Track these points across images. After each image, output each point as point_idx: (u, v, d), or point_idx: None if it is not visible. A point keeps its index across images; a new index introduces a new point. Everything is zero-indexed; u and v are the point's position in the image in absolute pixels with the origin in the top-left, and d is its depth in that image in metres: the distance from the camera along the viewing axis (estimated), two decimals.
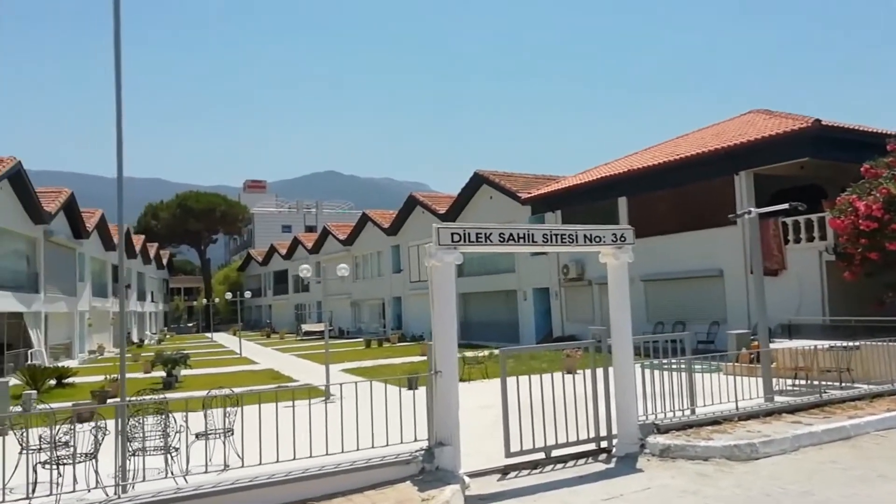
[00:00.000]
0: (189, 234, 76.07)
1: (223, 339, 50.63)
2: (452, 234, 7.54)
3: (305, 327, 48.21)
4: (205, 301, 68.18)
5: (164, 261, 70.21)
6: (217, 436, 8.66)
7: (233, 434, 8.68)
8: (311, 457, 7.41)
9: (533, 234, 8.04)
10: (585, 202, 25.96)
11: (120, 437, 7.17)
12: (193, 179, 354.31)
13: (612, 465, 8.19)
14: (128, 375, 23.06)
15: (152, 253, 60.45)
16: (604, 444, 8.63)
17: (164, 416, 8.14)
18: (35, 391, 16.01)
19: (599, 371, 8.78)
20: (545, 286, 28.80)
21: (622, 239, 8.64)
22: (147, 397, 9.19)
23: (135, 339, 49.34)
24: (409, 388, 14.36)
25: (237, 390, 8.99)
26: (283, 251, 60.72)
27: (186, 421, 8.27)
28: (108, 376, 17.62)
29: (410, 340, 35.98)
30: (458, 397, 7.72)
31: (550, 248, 8.26)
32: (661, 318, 22.37)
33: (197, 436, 8.54)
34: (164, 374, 19.94)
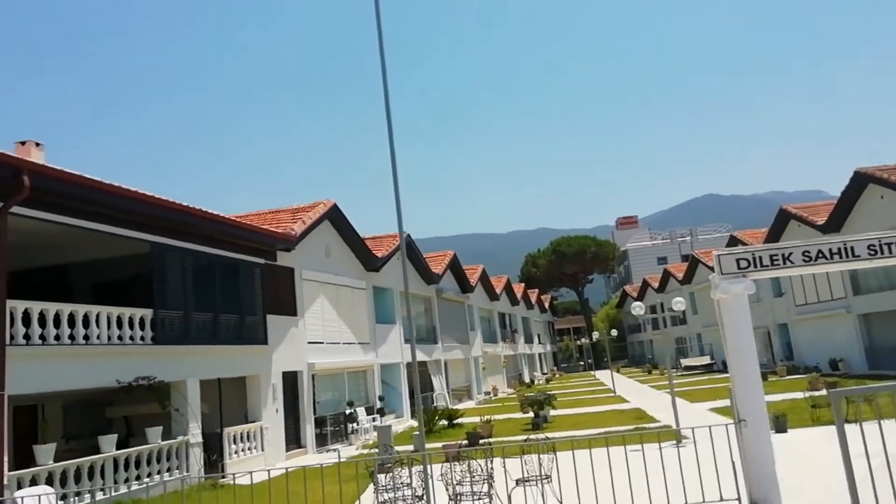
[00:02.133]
0: (566, 277, 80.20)
1: (605, 376, 51.46)
2: (738, 259, 6.61)
3: (685, 362, 46.15)
4: (585, 340, 70.87)
5: (547, 304, 75.05)
6: (537, 482, 8.91)
7: (550, 480, 8.85)
8: None
9: (852, 248, 6.55)
10: None
11: (425, 481, 7.91)
12: (574, 224, 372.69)
13: None
14: (504, 416, 25.14)
15: (534, 298, 65.31)
16: None
17: (485, 462, 8.71)
18: (425, 431, 18.56)
19: None
20: None
21: None
22: (481, 442, 9.95)
23: (525, 379, 53.41)
24: (776, 432, 13.69)
25: (594, 432, 9.14)
26: (656, 284, 59.50)
27: (520, 467, 8.75)
28: (481, 418, 19.44)
29: (803, 372, 31.55)
30: (773, 449, 6.60)
31: (881, 262, 6.61)
32: None
33: (517, 482, 8.91)
34: (532, 414, 21.23)
